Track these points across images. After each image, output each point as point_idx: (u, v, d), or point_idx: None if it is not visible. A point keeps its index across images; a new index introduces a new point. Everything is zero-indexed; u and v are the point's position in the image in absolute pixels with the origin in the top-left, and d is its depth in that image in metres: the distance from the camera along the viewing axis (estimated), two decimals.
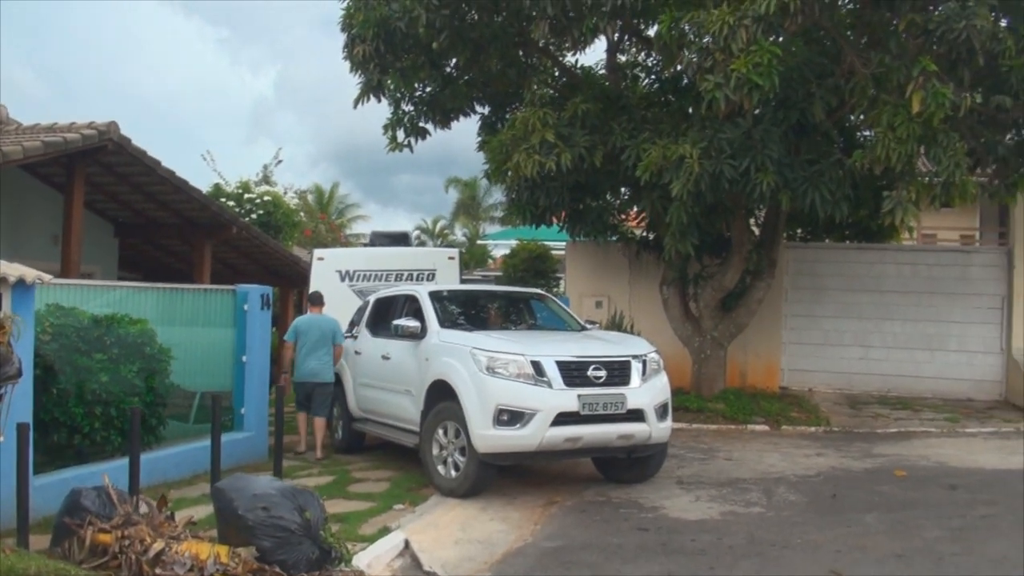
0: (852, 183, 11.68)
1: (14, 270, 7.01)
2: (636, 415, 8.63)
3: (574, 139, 12.05)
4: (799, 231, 17.20)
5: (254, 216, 20.13)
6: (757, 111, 11.12)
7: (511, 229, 35.51)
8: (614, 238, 16.11)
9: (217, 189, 20.86)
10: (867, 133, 12.63)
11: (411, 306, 10.28)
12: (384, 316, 10.88)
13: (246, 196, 20.91)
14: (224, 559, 5.84)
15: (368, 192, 79.53)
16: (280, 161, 30.55)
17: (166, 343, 9.45)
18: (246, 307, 10.76)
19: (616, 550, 7.00)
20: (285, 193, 22.99)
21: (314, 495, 6.56)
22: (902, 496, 8.89)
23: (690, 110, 12.76)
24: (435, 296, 10.20)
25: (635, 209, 15.80)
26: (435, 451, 8.89)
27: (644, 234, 16.40)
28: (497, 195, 43.37)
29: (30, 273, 7.11)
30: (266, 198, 21.06)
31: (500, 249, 37.40)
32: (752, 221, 15.07)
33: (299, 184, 25.38)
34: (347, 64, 13.74)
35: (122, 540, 5.98)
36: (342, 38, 13.47)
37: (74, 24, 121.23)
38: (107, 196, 15.00)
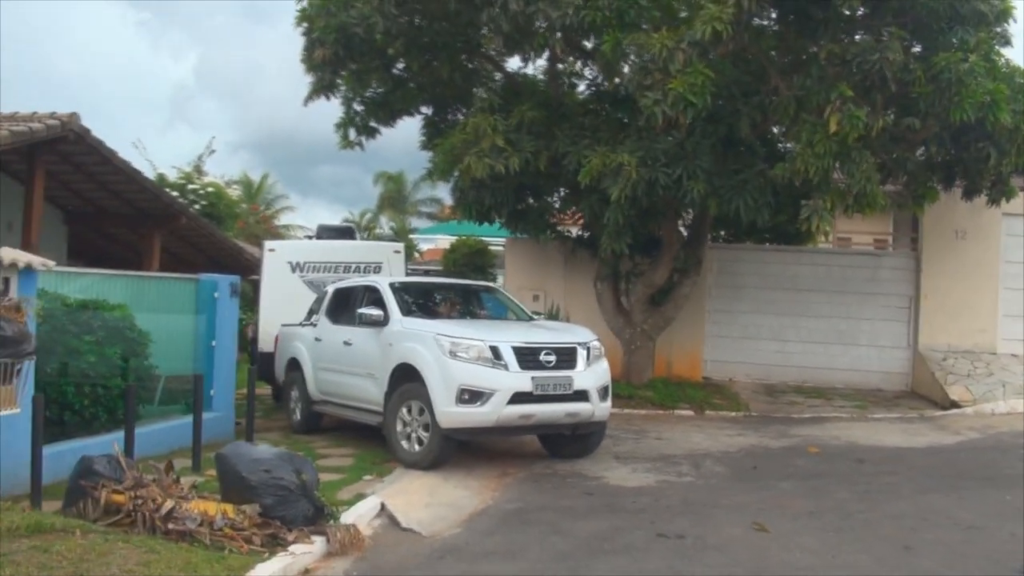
0: (773, 191, 12.86)
1: (22, 256, 7.62)
2: (581, 395, 9.60)
3: (521, 144, 13.02)
4: (723, 233, 18.46)
5: (197, 207, 20.59)
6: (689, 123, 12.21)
7: (442, 224, 36.37)
8: (552, 236, 17.07)
9: (161, 179, 21.26)
10: (788, 147, 13.86)
11: (371, 296, 11.06)
12: (344, 306, 11.65)
13: (189, 187, 21.35)
14: (231, 514, 6.62)
15: (289, 182, 79.09)
16: (213, 151, 30.89)
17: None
18: (216, 295, 11.43)
19: (568, 510, 7.97)
20: (228, 185, 23.46)
21: (307, 460, 7.39)
22: (815, 468, 10.07)
23: (625, 120, 13.83)
24: (394, 287, 11.02)
25: (572, 210, 16.78)
26: (399, 428, 9.73)
27: (580, 233, 17.45)
28: (425, 190, 44.15)
29: (36, 260, 7.74)
30: (209, 189, 21.54)
31: (426, 243, 38.17)
32: (680, 223, 16.20)
33: (227, 174, 25.62)
34: (301, 65, 14.67)
35: (135, 500, 6.69)
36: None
37: None
38: (60, 184, 15.29)
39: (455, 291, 12.52)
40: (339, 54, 13.73)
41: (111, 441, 8.07)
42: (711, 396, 15.53)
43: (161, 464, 7.39)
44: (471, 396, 9.14)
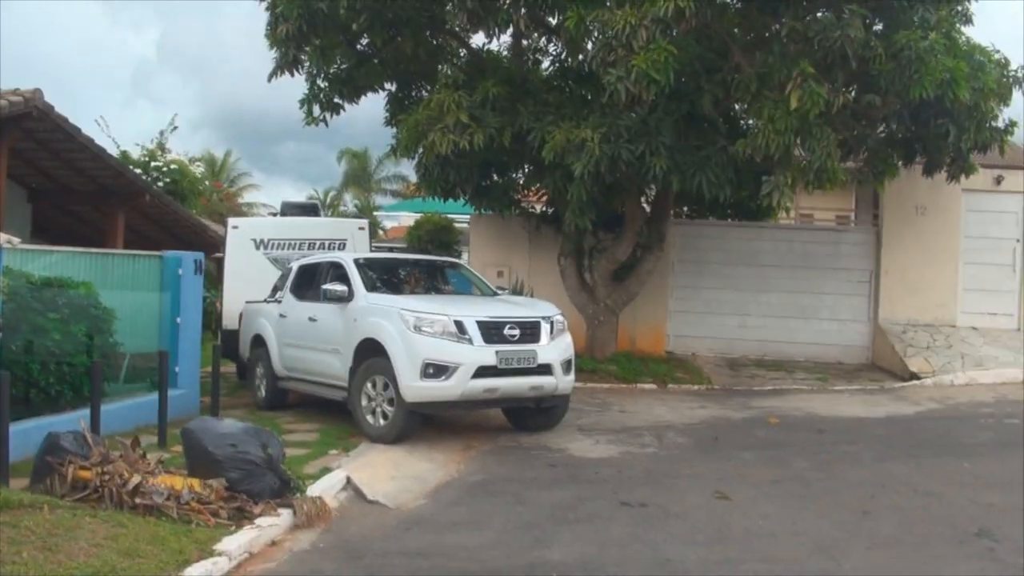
0: (735, 168, 13.00)
1: None
2: (545, 369, 9.72)
3: (485, 120, 13.05)
4: (686, 209, 18.61)
5: (161, 184, 20.41)
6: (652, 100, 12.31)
7: (406, 201, 36.30)
8: (516, 212, 17.13)
9: (124, 156, 21.00)
10: (750, 123, 14.01)
11: (336, 272, 11.08)
12: (308, 282, 11.67)
13: (153, 164, 21.15)
14: (197, 488, 6.68)
15: (252, 160, 78.90)
16: (176, 127, 30.57)
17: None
18: (181, 271, 11.40)
19: (532, 482, 8.12)
20: (191, 163, 23.23)
21: (273, 434, 7.46)
22: (775, 438, 10.30)
23: (589, 97, 13.91)
24: (359, 263, 11.05)
25: (537, 186, 16.87)
26: (364, 403, 9.80)
27: (544, 209, 17.53)
28: (390, 167, 44.07)
29: (1, 237, 7.72)
30: (173, 167, 21.35)
31: (390, 221, 38.11)
32: (643, 200, 16.31)
33: (190, 151, 25.32)
34: (265, 41, 14.50)
35: (102, 475, 6.73)
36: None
37: None
38: (24, 162, 15.15)
39: (419, 267, 12.56)
40: (303, 29, 13.66)
41: (77, 418, 8.07)
42: (674, 370, 15.71)
43: (128, 440, 7.41)
44: (436, 370, 9.23)
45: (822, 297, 17.84)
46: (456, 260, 13.44)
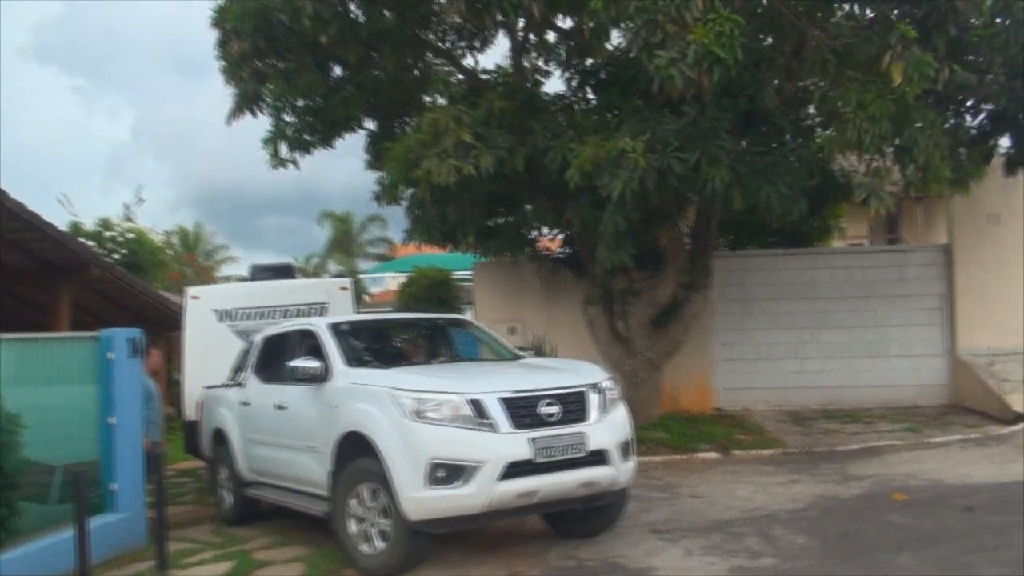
0: (809, 175, 10.34)
1: None
2: (598, 457, 7.03)
3: (492, 140, 10.46)
4: (721, 239, 15.98)
5: (116, 256, 18.03)
6: (705, 95, 9.65)
7: (391, 262, 34.03)
8: (530, 255, 14.76)
9: (76, 228, 18.64)
10: (815, 121, 11.40)
11: (308, 343, 8.46)
12: (276, 357, 9.01)
13: (107, 234, 18.77)
14: None
15: (233, 235, 77.39)
16: (142, 200, 28.27)
17: (15, 407, 7.41)
18: (111, 355, 8.73)
19: None
20: (167, 236, 20.81)
21: None
22: (919, 526, 7.53)
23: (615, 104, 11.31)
24: (336, 329, 8.40)
25: (558, 219, 14.45)
26: (352, 523, 7.11)
27: (561, 250, 15.01)
28: (374, 231, 42.15)
29: None
30: (129, 235, 18.94)
31: (376, 285, 35.81)
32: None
33: (158, 225, 23.33)
34: (217, 85, 12.73)
35: None
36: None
37: None
38: None
39: (416, 328, 9.96)
40: (259, 46, 11.23)
41: None
42: (732, 432, 13.01)
43: None
44: (448, 473, 6.52)
45: (888, 330, 15.37)
46: (462, 317, 10.86)
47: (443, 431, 6.62)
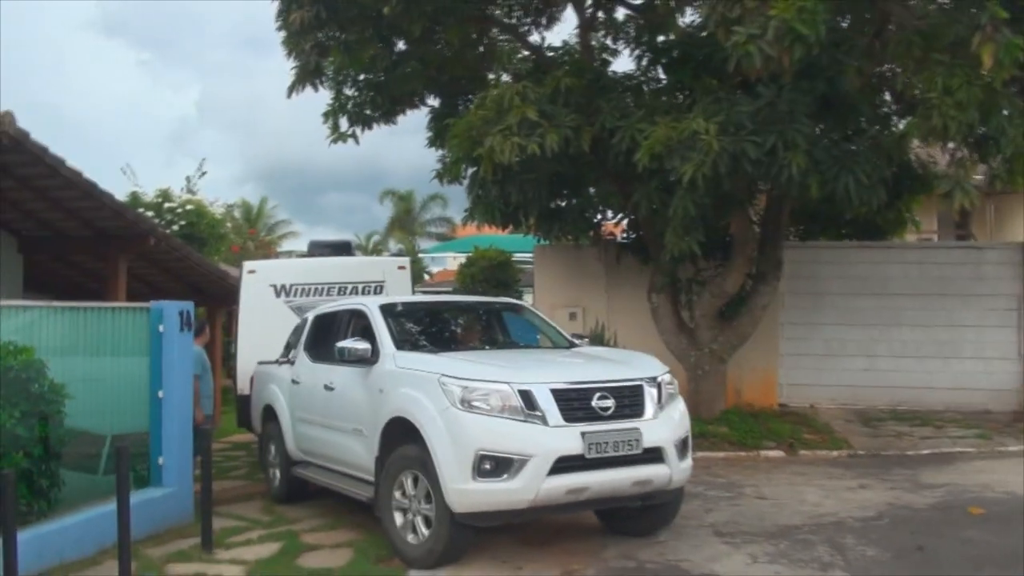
0: (889, 164, 9.79)
1: None
2: (654, 455, 6.67)
3: (558, 118, 10.07)
4: (791, 229, 15.38)
5: (176, 228, 17.98)
6: (784, 75, 9.16)
7: (452, 242, 33.80)
8: (594, 239, 14.38)
9: (134, 198, 18.64)
10: (891, 108, 10.78)
11: (359, 323, 8.26)
12: (326, 336, 8.81)
13: (166, 205, 18.73)
14: None
15: (296, 212, 78.32)
16: (204, 172, 28.43)
17: (62, 377, 7.32)
18: (161, 328, 8.57)
19: None
20: (212, 204, 20.68)
21: None
22: (1000, 543, 7.02)
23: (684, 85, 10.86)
24: (388, 310, 8.14)
25: (609, 214, 14.00)
26: (397, 510, 6.86)
27: (626, 235, 14.54)
28: (435, 210, 42.02)
29: None
30: (189, 207, 18.88)
31: (436, 264, 35.65)
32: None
33: (221, 198, 23.26)
34: (283, 60, 11.97)
35: None
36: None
37: None
38: (8, 204, 12.65)
39: (469, 312, 9.66)
40: (320, 16, 10.98)
41: None
42: (798, 430, 12.49)
43: None
44: (495, 465, 6.22)
45: (962, 331, 14.64)
46: (517, 302, 10.51)
47: (491, 422, 6.32)
